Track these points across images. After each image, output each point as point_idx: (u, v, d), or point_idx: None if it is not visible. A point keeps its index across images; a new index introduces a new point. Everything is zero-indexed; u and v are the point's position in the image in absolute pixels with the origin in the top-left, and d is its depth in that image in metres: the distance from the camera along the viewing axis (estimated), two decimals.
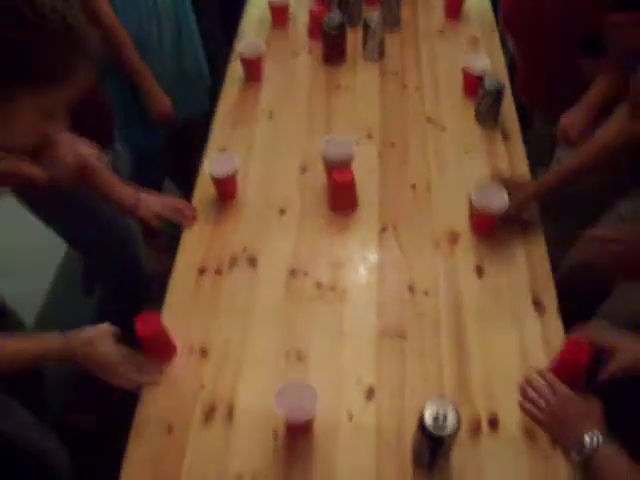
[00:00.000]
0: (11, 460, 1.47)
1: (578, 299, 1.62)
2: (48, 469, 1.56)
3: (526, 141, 1.93)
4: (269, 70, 2.16)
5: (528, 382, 1.34)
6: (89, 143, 1.43)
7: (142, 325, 1.35)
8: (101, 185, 1.60)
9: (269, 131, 1.96)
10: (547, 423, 1.27)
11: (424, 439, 1.14)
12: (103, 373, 1.32)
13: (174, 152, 2.59)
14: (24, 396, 1.56)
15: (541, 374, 1.34)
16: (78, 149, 1.40)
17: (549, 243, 1.65)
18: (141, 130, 2.21)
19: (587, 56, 1.76)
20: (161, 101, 2.14)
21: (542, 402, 1.29)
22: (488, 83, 1.85)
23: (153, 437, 1.31)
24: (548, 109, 2.09)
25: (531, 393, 1.32)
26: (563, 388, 1.28)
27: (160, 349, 1.41)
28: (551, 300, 1.51)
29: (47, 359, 1.32)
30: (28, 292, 2.43)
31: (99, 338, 1.31)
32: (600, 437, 1.13)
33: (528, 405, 1.31)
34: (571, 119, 1.82)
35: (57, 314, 2.52)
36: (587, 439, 1.14)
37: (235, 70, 2.17)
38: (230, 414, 1.33)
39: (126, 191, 1.65)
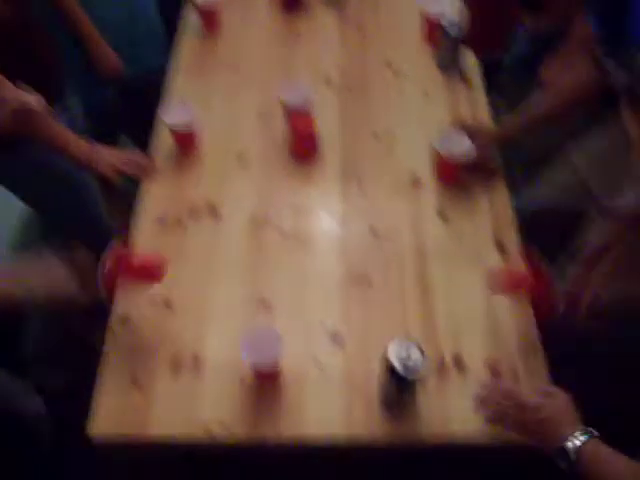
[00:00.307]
0: None
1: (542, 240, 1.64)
2: (26, 422, 1.55)
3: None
4: (226, 19, 2.10)
5: (486, 399, 1.17)
6: (32, 92, 1.38)
7: (117, 264, 1.28)
8: (55, 139, 1.56)
9: (228, 81, 1.92)
10: (522, 434, 1.13)
11: (391, 379, 1.15)
12: None
13: (129, 106, 2.54)
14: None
15: (495, 387, 1.18)
16: (19, 95, 1.35)
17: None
18: (90, 85, 2.15)
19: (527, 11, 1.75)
20: (107, 56, 2.07)
21: (510, 418, 1.13)
22: (448, 28, 1.83)
23: (119, 389, 1.30)
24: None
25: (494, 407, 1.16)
26: (525, 399, 1.11)
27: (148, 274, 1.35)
28: (513, 242, 1.52)
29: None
30: None
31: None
32: (579, 438, 1.05)
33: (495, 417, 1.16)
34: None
35: None
36: (569, 445, 1.05)
37: (192, 20, 2.11)
38: (197, 364, 1.33)
39: (81, 145, 1.60)
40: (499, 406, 1.13)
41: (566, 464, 1.07)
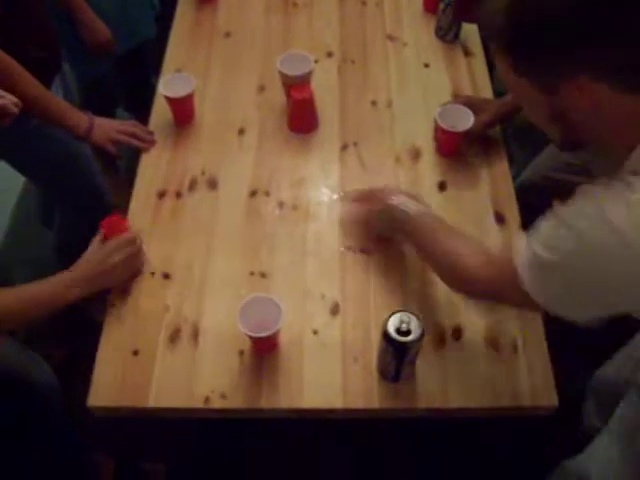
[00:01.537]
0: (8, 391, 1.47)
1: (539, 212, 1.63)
2: (40, 390, 1.56)
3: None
4: None
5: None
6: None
7: (108, 229, 1.35)
8: (53, 111, 1.56)
9: (225, 51, 1.90)
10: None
11: (388, 347, 1.15)
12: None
13: (126, 79, 2.52)
14: None
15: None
16: None
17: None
18: (85, 60, 2.13)
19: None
20: (98, 30, 2.05)
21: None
22: None
23: (119, 361, 1.30)
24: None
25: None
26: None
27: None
28: (513, 214, 1.51)
29: (60, 301, 1.30)
30: None
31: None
32: (411, 205, 1.28)
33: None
34: None
35: (19, 250, 2.49)
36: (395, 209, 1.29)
37: None
38: (195, 335, 1.33)
39: (79, 116, 1.60)
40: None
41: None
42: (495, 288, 1.06)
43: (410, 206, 1.28)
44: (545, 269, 0.91)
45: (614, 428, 1.35)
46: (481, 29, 0.96)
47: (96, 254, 1.34)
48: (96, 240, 1.36)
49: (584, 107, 0.87)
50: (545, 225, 0.92)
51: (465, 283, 1.14)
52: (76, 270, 1.32)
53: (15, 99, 1.30)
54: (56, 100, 1.59)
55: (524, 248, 0.94)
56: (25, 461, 1.53)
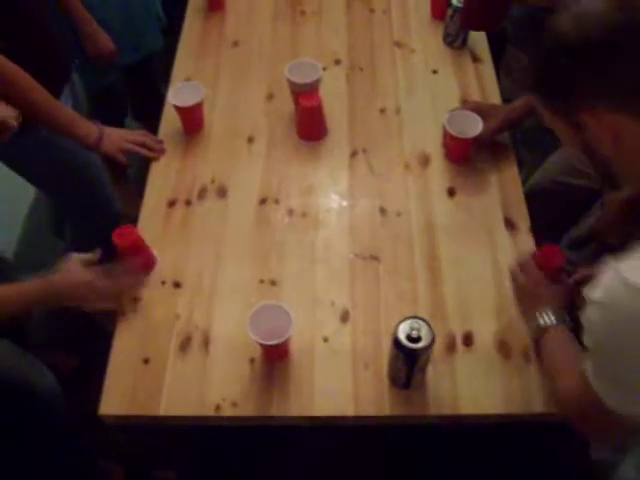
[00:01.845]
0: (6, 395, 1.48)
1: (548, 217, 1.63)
2: (42, 396, 1.57)
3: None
4: None
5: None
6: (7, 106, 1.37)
7: (119, 238, 1.35)
8: (62, 121, 1.56)
9: (234, 60, 1.90)
10: (519, 300, 1.33)
11: (399, 354, 1.15)
12: (84, 297, 1.32)
13: (135, 90, 2.54)
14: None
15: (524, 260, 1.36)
16: None
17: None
18: (91, 69, 2.13)
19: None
20: (101, 42, 2.05)
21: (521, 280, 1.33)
22: (456, 1, 1.80)
23: (130, 369, 1.31)
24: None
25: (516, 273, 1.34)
26: (536, 271, 1.30)
27: (140, 259, 1.41)
28: (523, 219, 1.51)
29: (31, 303, 1.33)
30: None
31: (72, 263, 1.33)
32: (552, 316, 1.19)
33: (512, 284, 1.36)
34: None
35: (31, 260, 2.50)
36: (539, 317, 1.20)
37: (197, 0, 2.09)
38: (206, 343, 1.33)
39: (88, 126, 1.61)
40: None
41: (532, 334, 1.24)
42: (581, 409, 0.97)
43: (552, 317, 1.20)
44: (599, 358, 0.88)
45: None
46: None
47: (85, 273, 1.33)
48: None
49: (606, 139, 0.86)
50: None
51: (559, 403, 1.10)
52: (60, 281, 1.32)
53: (15, 113, 1.30)
54: (65, 110, 1.60)
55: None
56: (26, 466, 1.53)
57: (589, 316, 0.85)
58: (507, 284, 1.38)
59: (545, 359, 1.18)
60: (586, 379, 0.91)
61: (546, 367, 1.19)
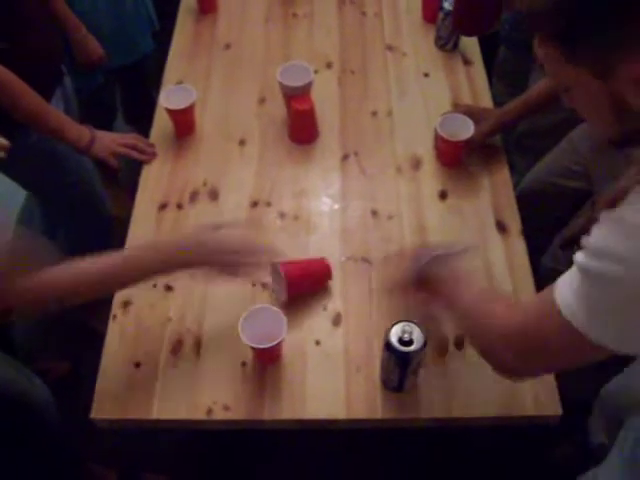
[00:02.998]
0: None
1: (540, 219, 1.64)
2: (34, 407, 1.56)
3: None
4: (223, 0, 2.09)
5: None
6: None
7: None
8: (54, 125, 1.56)
9: (226, 63, 1.90)
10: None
11: (391, 357, 1.15)
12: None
13: (126, 93, 2.53)
14: None
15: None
16: None
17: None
18: (79, 73, 2.12)
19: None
20: (91, 49, 2.03)
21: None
22: (447, 4, 1.81)
23: (122, 373, 1.30)
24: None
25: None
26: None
27: None
28: (514, 222, 1.52)
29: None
30: None
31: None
32: None
33: None
34: None
35: None
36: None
37: (188, 2, 2.09)
38: (198, 347, 1.33)
39: (80, 130, 1.60)
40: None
41: None
42: (530, 338, 0.88)
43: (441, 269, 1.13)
44: (603, 286, 0.77)
45: (619, 446, 1.33)
46: (526, 21, 0.84)
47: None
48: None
49: None
50: (596, 234, 0.79)
51: (495, 343, 0.95)
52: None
53: (4, 142, 1.29)
54: (56, 114, 1.59)
55: (567, 277, 0.82)
56: (17, 471, 1.52)
57: (614, 238, 0.76)
58: (500, 287, 1.39)
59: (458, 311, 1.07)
60: (550, 303, 0.82)
61: (460, 313, 1.07)
